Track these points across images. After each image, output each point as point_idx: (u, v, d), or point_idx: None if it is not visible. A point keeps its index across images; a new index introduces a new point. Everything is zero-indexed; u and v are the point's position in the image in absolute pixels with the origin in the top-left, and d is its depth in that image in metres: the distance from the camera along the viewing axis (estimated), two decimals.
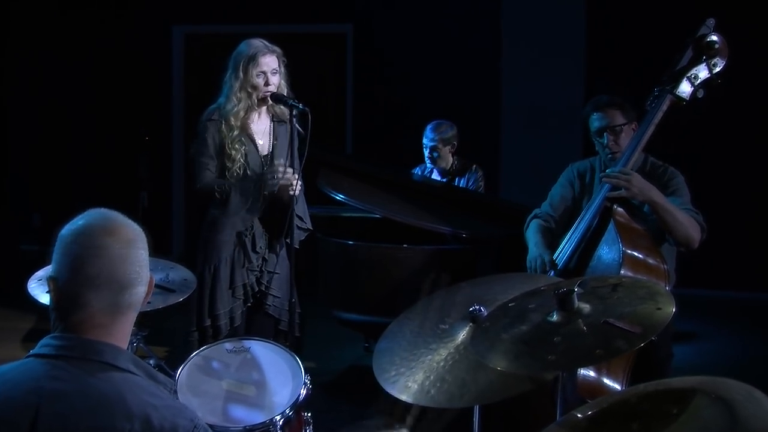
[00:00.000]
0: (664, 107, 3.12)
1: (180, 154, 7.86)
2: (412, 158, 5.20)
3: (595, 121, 3.35)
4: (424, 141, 4.88)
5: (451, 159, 4.91)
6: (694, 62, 3.11)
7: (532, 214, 3.51)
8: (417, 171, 5.03)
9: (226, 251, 3.49)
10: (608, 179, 3.13)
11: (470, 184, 4.88)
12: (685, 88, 3.11)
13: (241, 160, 3.46)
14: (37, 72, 7.93)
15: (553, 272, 3.12)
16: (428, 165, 4.93)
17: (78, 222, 1.50)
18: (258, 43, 3.49)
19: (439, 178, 4.92)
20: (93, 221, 1.49)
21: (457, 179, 4.92)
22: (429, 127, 4.90)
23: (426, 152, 4.89)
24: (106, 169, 7.89)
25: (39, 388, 1.41)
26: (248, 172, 3.47)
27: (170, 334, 4.46)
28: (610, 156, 3.32)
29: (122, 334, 1.50)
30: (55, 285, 1.48)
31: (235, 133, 3.45)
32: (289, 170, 3.45)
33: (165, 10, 7.84)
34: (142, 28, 7.83)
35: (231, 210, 3.45)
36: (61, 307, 1.48)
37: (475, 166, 4.93)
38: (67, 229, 1.49)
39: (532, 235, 3.39)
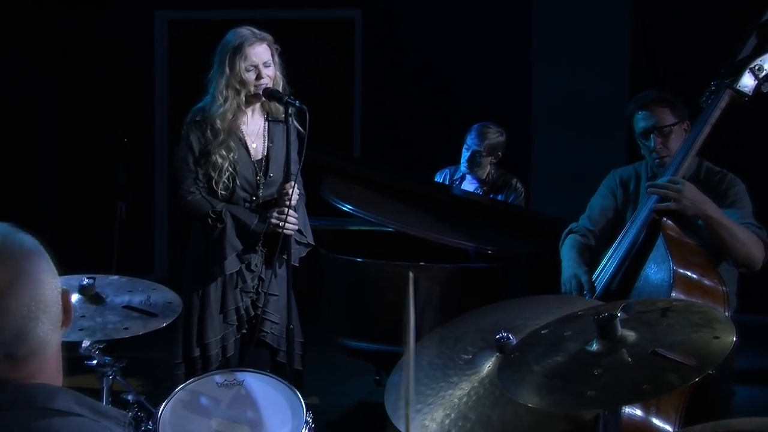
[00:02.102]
0: (723, 104, 3.12)
1: (163, 158, 7.89)
2: (428, 162, 5.20)
3: (641, 121, 3.34)
4: (468, 142, 4.85)
5: (488, 168, 4.90)
6: (759, 51, 3.11)
7: (567, 229, 3.51)
8: (446, 173, 5.02)
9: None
10: (655, 190, 3.12)
11: (509, 201, 4.86)
12: (747, 82, 3.11)
13: (230, 170, 3.43)
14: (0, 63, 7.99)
15: (591, 295, 3.11)
16: (462, 168, 4.92)
17: None
18: (245, 31, 3.46)
19: (471, 188, 4.91)
20: None
21: (492, 194, 4.89)
22: (475, 127, 4.87)
23: (466, 154, 4.86)
24: (78, 175, 7.92)
25: None
26: (238, 182, 3.46)
27: (153, 364, 4.47)
28: (657, 161, 3.31)
29: (45, 373, 1.43)
30: None
31: (222, 137, 3.42)
32: (293, 216, 3.45)
33: None
34: (121, 13, 7.88)
35: (225, 252, 3.42)
36: None
37: (515, 180, 4.90)
38: None
39: (567, 252, 3.38)
